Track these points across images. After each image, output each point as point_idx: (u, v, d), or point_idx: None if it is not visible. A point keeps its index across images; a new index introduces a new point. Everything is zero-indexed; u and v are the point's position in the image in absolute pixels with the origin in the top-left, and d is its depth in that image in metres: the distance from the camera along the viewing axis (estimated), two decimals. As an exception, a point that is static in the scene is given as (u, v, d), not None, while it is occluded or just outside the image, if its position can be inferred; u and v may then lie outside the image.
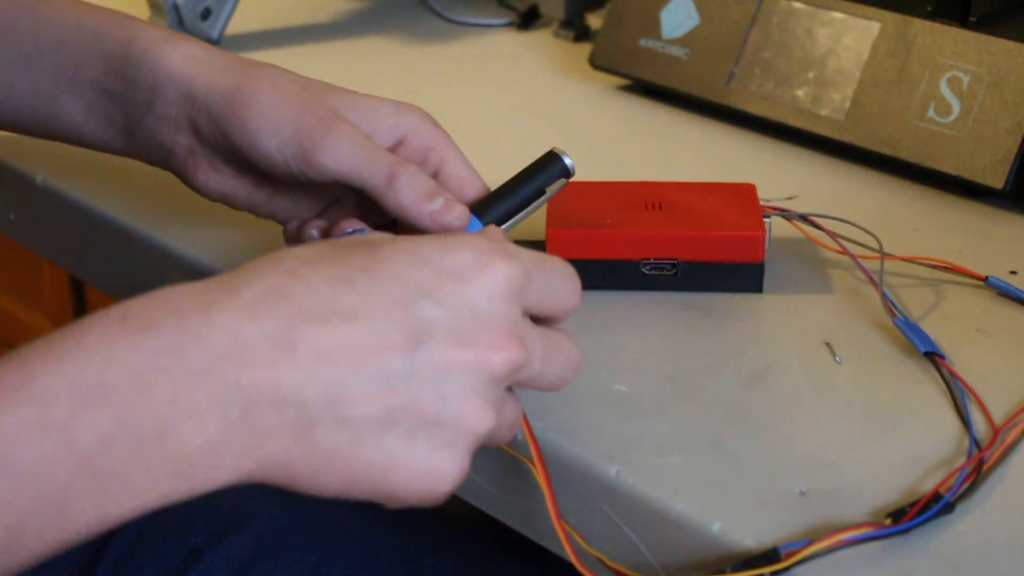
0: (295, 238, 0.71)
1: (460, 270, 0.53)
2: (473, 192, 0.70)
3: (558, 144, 0.71)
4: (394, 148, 0.71)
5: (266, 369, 0.49)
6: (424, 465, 0.51)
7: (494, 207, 0.68)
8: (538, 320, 0.57)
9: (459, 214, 0.67)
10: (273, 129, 0.68)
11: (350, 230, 0.68)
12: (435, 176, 0.71)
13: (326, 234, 0.69)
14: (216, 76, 0.70)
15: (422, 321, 0.52)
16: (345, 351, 0.50)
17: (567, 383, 0.57)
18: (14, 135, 0.89)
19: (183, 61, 0.71)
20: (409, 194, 0.67)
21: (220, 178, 0.72)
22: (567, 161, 0.68)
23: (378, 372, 0.51)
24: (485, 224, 0.67)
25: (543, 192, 0.68)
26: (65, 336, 0.49)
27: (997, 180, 0.81)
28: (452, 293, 0.53)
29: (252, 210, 0.73)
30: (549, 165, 0.68)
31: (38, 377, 0.48)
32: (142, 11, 1.06)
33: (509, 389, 0.56)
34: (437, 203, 0.67)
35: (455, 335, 0.52)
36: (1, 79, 0.76)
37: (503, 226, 0.68)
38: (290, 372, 0.50)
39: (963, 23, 0.84)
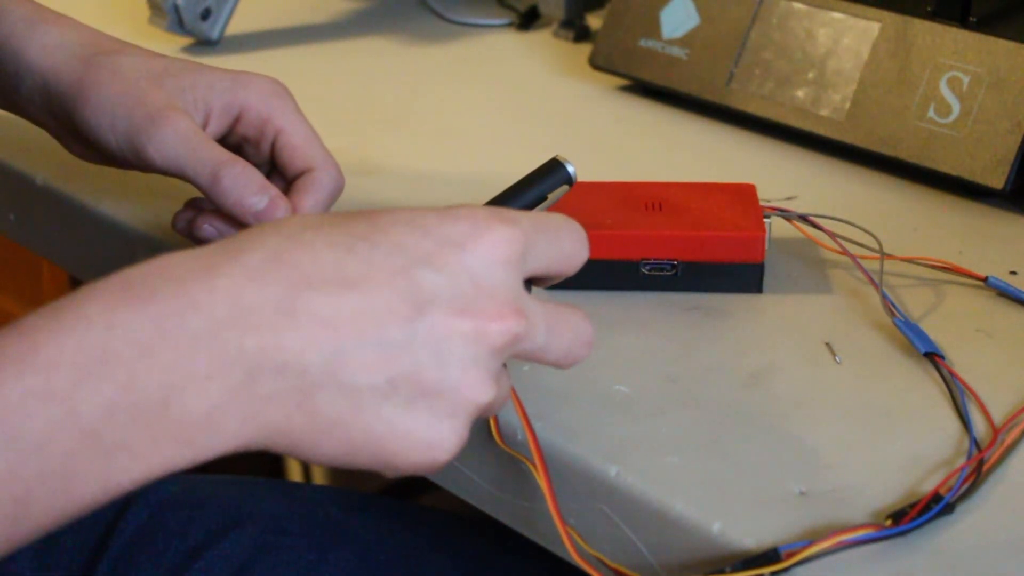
0: (187, 233, 0.72)
1: (459, 238, 0.53)
2: (304, 163, 0.71)
3: (559, 145, 0.71)
4: (233, 124, 0.72)
5: (268, 334, 0.49)
6: (423, 434, 0.51)
7: None
8: (545, 282, 0.57)
9: (284, 212, 0.68)
10: (109, 124, 0.70)
11: (208, 227, 0.70)
12: (273, 148, 0.71)
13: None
14: (64, 68, 0.71)
15: (423, 290, 0.51)
16: (347, 318, 0.50)
17: (577, 359, 0.56)
18: (14, 136, 0.89)
19: (39, 52, 0.72)
20: (232, 195, 0.68)
21: (92, 153, 0.74)
22: (570, 169, 0.69)
23: (379, 340, 0.50)
24: None
25: (545, 198, 0.69)
26: (66, 306, 0.49)
27: (997, 180, 0.81)
28: (452, 261, 0.52)
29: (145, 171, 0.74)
30: (552, 172, 0.69)
31: (40, 347, 0.47)
32: (142, 11, 1.06)
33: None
34: (261, 203, 0.68)
35: (455, 304, 0.51)
36: None
37: None
38: (292, 338, 0.49)
39: (963, 23, 0.84)
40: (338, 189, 0.72)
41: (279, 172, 0.73)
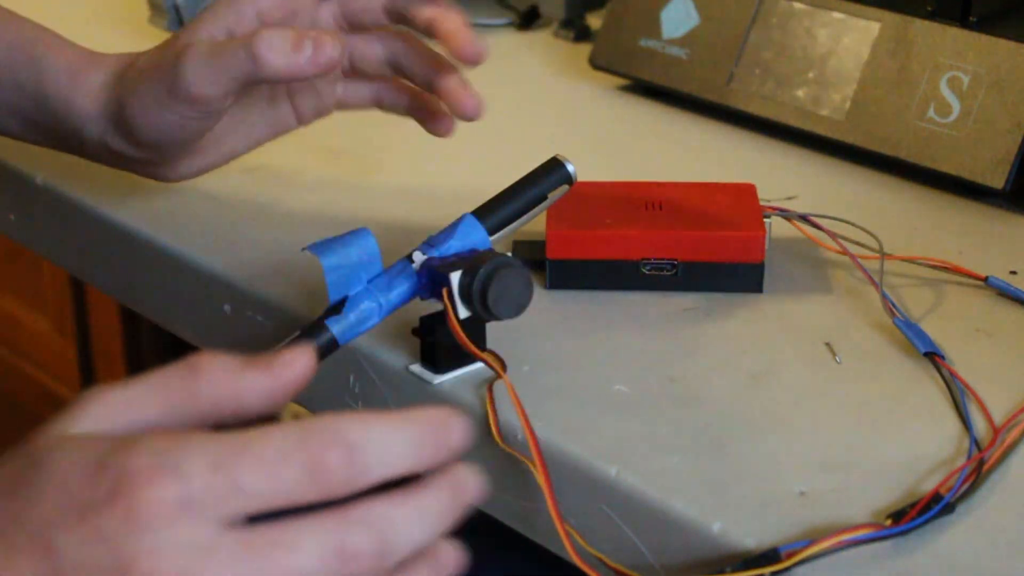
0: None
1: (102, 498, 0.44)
2: None
3: (559, 145, 0.71)
4: (261, 12, 0.72)
5: None
6: None
7: (496, 211, 0.68)
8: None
9: (331, 46, 0.67)
10: (154, 103, 0.70)
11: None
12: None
13: None
14: (110, 103, 0.73)
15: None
16: None
17: None
18: (14, 135, 0.89)
19: (90, 102, 0.74)
20: (278, 60, 0.67)
21: (186, 160, 0.76)
22: (570, 168, 0.69)
23: None
24: (487, 227, 0.67)
25: (545, 198, 0.69)
26: None
27: (997, 180, 0.81)
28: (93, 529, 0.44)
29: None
30: (552, 172, 0.69)
31: None
32: (142, 11, 1.06)
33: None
34: (307, 51, 0.67)
35: None
36: None
37: (504, 230, 0.68)
38: None
39: (963, 23, 0.84)
40: None
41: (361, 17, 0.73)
